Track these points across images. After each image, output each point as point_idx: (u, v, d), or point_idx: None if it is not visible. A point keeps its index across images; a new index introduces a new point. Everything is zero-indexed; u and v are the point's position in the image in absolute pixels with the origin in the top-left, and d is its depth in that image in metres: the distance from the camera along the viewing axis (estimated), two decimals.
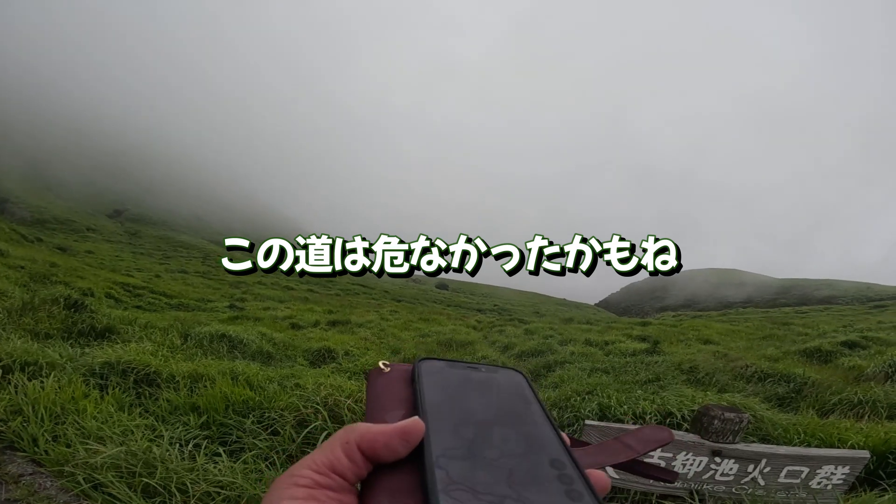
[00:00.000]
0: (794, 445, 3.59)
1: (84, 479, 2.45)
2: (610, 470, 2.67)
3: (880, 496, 2.64)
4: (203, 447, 3.01)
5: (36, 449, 2.77)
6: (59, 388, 3.51)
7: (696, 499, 2.53)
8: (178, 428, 3.34)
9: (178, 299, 17.79)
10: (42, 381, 3.56)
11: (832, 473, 2.46)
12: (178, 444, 2.98)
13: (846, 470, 2.46)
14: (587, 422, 2.64)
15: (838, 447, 3.51)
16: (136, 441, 2.80)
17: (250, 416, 3.60)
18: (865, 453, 2.51)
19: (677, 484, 2.55)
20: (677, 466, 2.51)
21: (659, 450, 2.52)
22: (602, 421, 3.59)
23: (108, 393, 3.78)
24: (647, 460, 2.13)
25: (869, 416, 4.98)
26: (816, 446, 3.56)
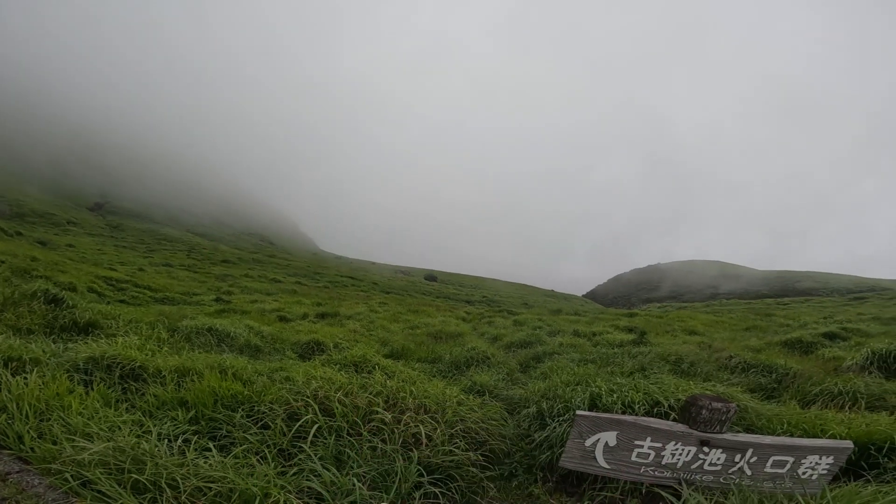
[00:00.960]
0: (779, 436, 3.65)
1: (72, 476, 2.42)
2: (601, 459, 2.71)
3: (864, 487, 2.70)
4: (192, 442, 2.99)
5: (22, 446, 2.73)
6: (43, 384, 3.45)
7: (685, 488, 2.57)
8: (166, 423, 3.31)
9: (162, 293, 17.56)
10: (25, 378, 3.49)
11: (817, 463, 2.51)
12: (166, 440, 2.95)
13: (830, 460, 2.52)
14: (578, 412, 2.66)
15: (821, 438, 3.59)
16: (124, 437, 2.77)
17: (239, 410, 3.58)
18: (849, 443, 2.56)
19: (667, 474, 2.59)
20: (666, 456, 2.55)
21: (649, 439, 2.56)
22: (592, 411, 3.63)
23: (92, 388, 3.72)
24: (637, 449, 2.15)
25: (850, 407, 5.06)
26: (800, 436, 3.63)
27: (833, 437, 3.69)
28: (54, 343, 5.26)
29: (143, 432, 3.01)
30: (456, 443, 3.61)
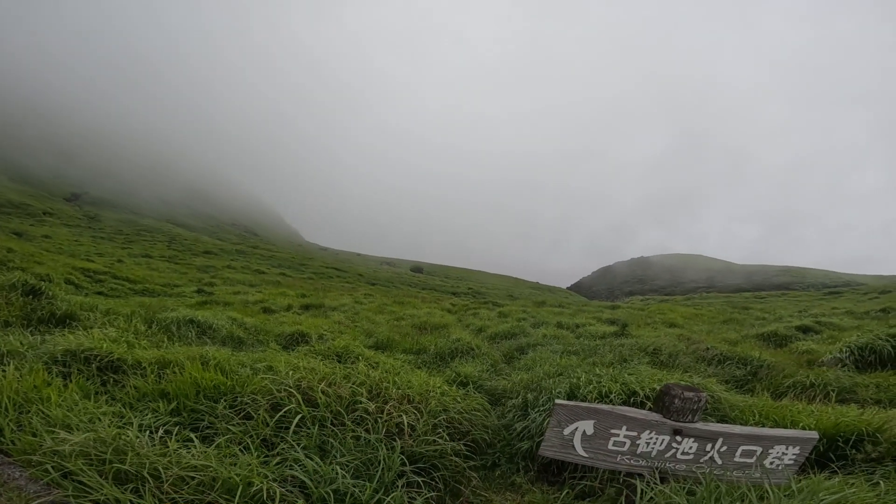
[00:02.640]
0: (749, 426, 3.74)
1: (53, 467, 2.41)
2: (579, 448, 2.78)
3: (830, 478, 2.79)
4: (174, 433, 2.98)
5: (2, 439, 2.71)
6: (21, 376, 3.41)
7: (658, 477, 2.65)
8: (147, 415, 3.29)
9: (142, 285, 17.29)
10: (4, 370, 3.45)
11: (783, 453, 2.60)
12: (148, 431, 2.94)
13: (796, 450, 2.61)
14: (557, 401, 2.72)
15: (790, 429, 3.67)
16: (104, 428, 2.76)
17: (222, 401, 3.57)
18: (814, 434, 2.66)
19: (642, 462, 2.67)
20: (641, 445, 2.63)
21: (624, 428, 2.63)
22: (571, 400, 3.71)
23: (71, 381, 3.68)
24: (613, 437, 2.22)
25: (820, 399, 5.19)
26: (770, 427, 3.72)
27: (802, 428, 3.77)
28: (32, 335, 5.17)
29: (124, 424, 3.00)
30: (439, 433, 3.66)
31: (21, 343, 4.56)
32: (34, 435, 2.71)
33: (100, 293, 13.87)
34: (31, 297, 6.85)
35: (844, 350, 7.31)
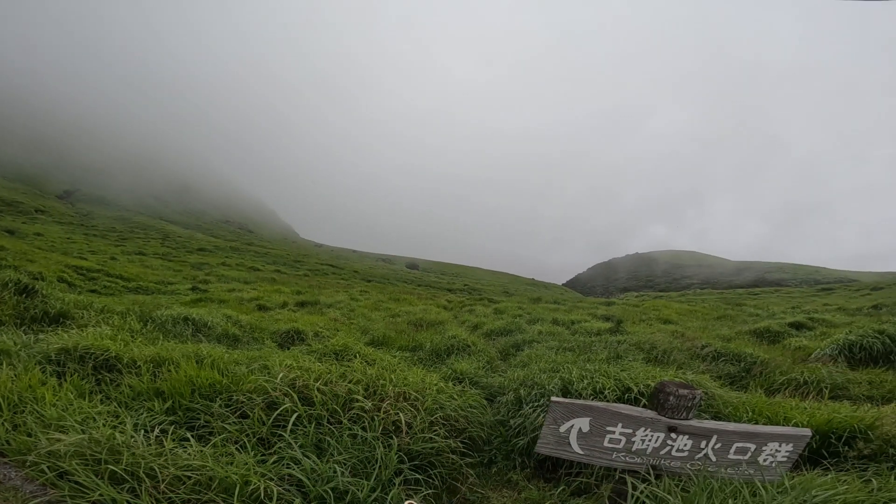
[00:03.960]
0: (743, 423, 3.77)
1: (49, 467, 2.40)
2: (575, 445, 2.79)
3: (823, 475, 2.81)
4: (170, 432, 2.98)
5: None
6: (16, 376, 3.39)
7: (653, 474, 2.67)
8: (142, 414, 3.28)
9: (136, 282, 17.17)
10: None
11: (776, 450, 2.62)
12: (143, 431, 2.93)
13: (790, 447, 2.62)
14: (553, 398, 2.73)
15: (783, 425, 3.69)
16: (99, 428, 2.75)
17: (217, 399, 3.56)
18: (808, 431, 2.67)
19: (638, 459, 2.68)
20: (637, 442, 2.64)
21: (620, 425, 2.65)
22: (566, 397, 3.72)
23: (65, 380, 3.66)
24: (608, 435, 2.23)
25: (813, 396, 5.22)
26: (764, 424, 3.74)
27: (795, 425, 3.79)
28: (25, 334, 5.14)
29: (119, 423, 2.99)
30: (436, 430, 3.67)
31: (14, 342, 4.53)
32: (29, 435, 2.70)
33: (93, 291, 13.77)
34: (23, 295, 6.79)
35: (834, 346, 7.38)
